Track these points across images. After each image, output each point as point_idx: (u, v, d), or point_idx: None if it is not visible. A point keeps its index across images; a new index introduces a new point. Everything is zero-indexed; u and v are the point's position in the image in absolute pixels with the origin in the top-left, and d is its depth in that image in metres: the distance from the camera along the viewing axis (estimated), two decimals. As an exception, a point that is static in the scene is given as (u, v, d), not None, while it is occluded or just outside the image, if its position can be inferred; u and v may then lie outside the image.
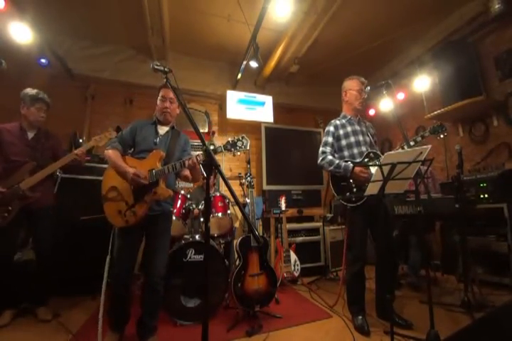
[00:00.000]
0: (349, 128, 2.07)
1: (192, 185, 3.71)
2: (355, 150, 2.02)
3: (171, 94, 1.75)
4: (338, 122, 2.12)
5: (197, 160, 1.51)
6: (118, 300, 1.63)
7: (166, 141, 1.76)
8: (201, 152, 1.48)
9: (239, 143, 1.40)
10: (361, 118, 2.17)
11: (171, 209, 1.83)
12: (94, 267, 2.12)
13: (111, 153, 1.66)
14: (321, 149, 2.09)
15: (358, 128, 2.09)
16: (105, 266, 1.57)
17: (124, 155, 1.70)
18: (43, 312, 2.01)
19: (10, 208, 1.90)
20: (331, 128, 2.10)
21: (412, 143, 1.81)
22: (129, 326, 1.68)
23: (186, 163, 1.53)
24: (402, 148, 1.86)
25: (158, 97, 1.78)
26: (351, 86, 2.10)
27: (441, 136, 1.84)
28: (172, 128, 1.84)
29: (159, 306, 1.70)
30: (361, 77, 2.11)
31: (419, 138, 1.84)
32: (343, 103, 2.19)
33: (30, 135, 2.10)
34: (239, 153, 1.43)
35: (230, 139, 1.42)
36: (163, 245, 1.70)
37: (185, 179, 1.83)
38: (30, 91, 2.08)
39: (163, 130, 1.80)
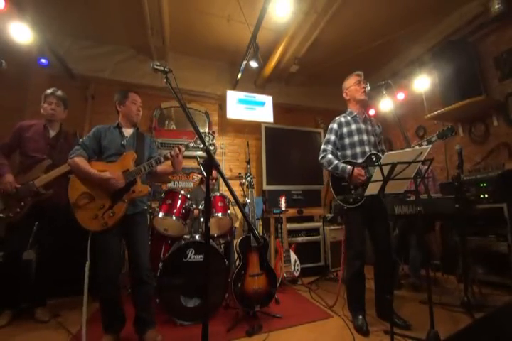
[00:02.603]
0: (353, 126, 2.03)
1: (192, 185, 3.73)
2: (358, 150, 1.98)
3: (140, 100, 1.87)
4: (342, 119, 2.08)
5: (179, 150, 1.71)
6: (111, 303, 1.62)
7: (133, 141, 1.80)
8: (184, 143, 1.77)
9: (206, 138, 1.62)
10: (367, 115, 2.13)
11: (146, 207, 1.85)
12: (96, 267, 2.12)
13: (78, 161, 1.60)
14: (322, 147, 2.08)
15: (362, 126, 2.04)
16: (85, 272, 1.53)
17: (91, 161, 1.67)
18: (41, 312, 2.01)
19: (22, 204, 1.92)
20: (335, 126, 2.07)
21: (417, 147, 1.78)
22: (127, 326, 1.67)
23: (168, 154, 1.68)
24: None
25: (129, 100, 1.81)
26: (349, 84, 2.11)
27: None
28: (137, 129, 1.89)
29: (151, 298, 1.71)
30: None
31: (425, 143, 1.79)
32: (347, 103, 2.17)
33: (52, 134, 2.16)
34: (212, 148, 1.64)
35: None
36: (145, 240, 1.78)
37: (162, 174, 1.88)
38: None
39: (128, 132, 1.83)
